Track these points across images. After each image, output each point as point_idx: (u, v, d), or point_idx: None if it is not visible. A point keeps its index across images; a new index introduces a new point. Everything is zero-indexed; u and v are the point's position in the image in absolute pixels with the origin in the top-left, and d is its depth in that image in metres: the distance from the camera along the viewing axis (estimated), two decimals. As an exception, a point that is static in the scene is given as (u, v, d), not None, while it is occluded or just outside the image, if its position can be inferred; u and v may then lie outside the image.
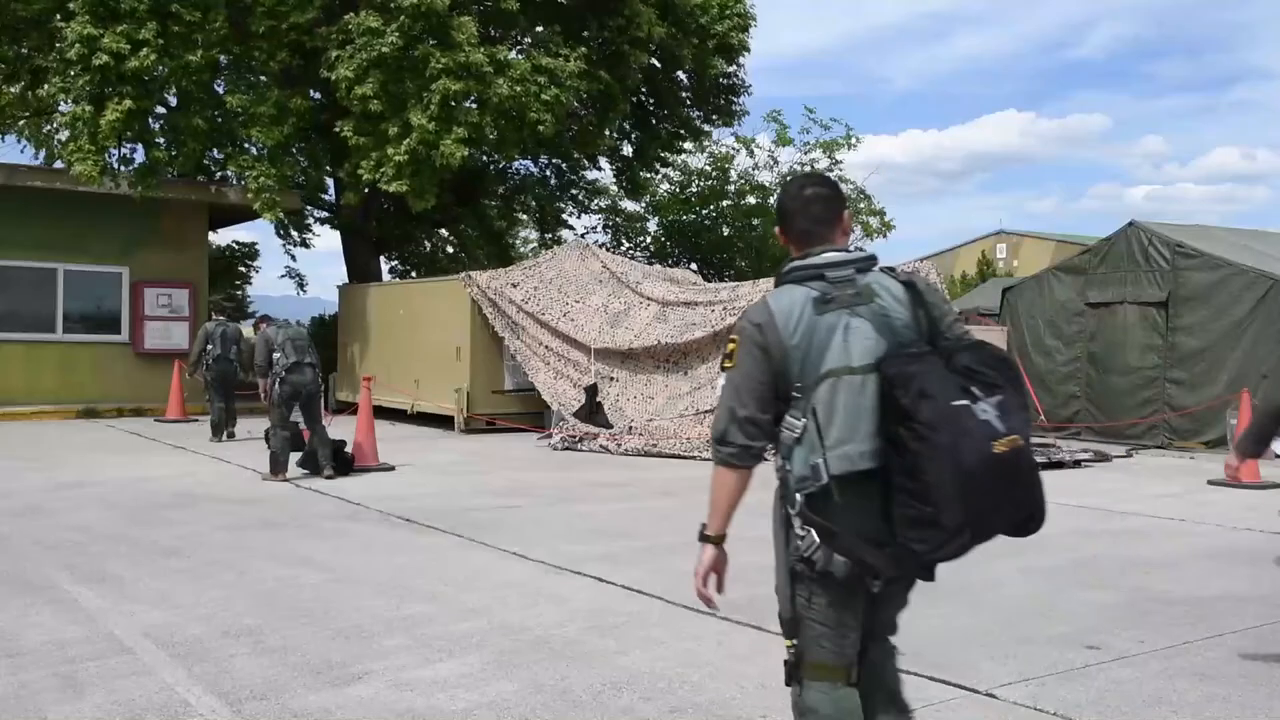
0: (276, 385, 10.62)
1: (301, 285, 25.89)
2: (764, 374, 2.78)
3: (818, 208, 2.94)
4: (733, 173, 25.15)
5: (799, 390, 2.77)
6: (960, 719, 4.06)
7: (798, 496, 2.80)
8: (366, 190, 17.13)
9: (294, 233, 23.48)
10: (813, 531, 2.80)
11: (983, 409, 2.64)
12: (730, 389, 2.83)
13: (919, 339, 2.81)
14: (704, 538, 3.16)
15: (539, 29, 18.95)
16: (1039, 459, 13.06)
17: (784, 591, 3.01)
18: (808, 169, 24.91)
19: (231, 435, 13.83)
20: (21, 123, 20.85)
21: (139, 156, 17.05)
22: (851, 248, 2.94)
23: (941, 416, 2.61)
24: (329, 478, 10.31)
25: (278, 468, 10.33)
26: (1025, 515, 2.93)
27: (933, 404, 2.62)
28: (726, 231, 24.97)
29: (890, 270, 2.92)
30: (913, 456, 2.62)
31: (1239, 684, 4.50)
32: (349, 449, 10.99)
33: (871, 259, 2.91)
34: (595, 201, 25.16)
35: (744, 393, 2.80)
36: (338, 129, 16.86)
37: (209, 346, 13.88)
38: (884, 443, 2.71)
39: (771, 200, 24.86)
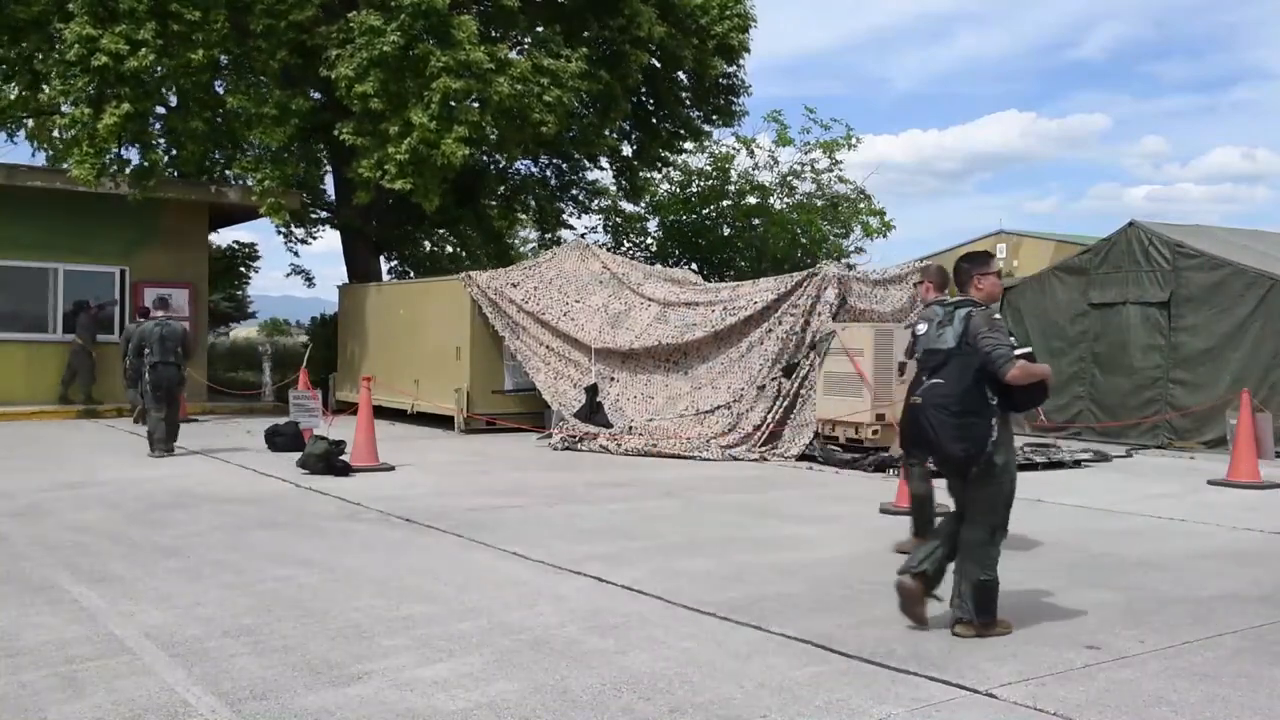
0: (146, 375, 12.15)
1: (309, 281, 25.93)
2: None
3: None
4: (733, 173, 25.12)
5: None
6: (960, 719, 4.06)
7: None
8: (373, 188, 17.13)
9: (295, 232, 23.48)
10: None
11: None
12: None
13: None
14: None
15: (539, 29, 18.95)
16: (1039, 459, 13.05)
17: None
18: (808, 169, 24.95)
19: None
20: (30, 123, 20.83)
21: (137, 159, 17.06)
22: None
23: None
24: (159, 455, 11.95)
25: (152, 445, 12.08)
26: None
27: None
28: (726, 231, 24.95)
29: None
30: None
31: (1239, 684, 4.50)
32: (349, 449, 11.00)
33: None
34: (595, 202, 25.17)
35: None
36: (337, 131, 16.87)
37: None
38: None
39: (771, 200, 24.89)
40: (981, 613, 5.11)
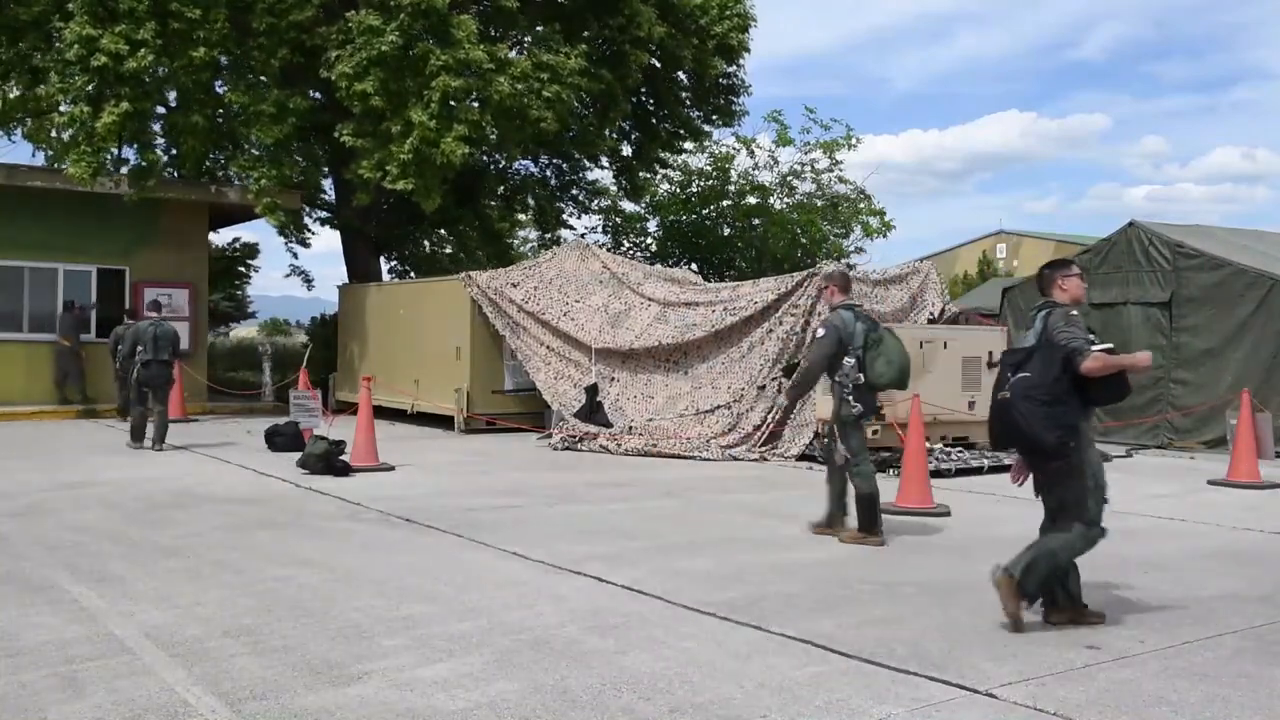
0: (135, 372, 12.74)
1: (309, 282, 25.91)
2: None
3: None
4: (733, 173, 25.12)
5: None
6: (960, 719, 4.06)
7: None
8: (373, 189, 17.14)
9: (294, 233, 23.46)
10: None
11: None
12: None
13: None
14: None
15: (539, 28, 18.96)
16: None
17: None
18: (808, 169, 24.94)
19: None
20: (30, 123, 20.83)
21: (135, 159, 17.06)
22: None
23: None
24: (139, 447, 12.63)
25: (134, 436, 12.76)
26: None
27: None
28: (726, 231, 24.94)
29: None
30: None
31: (1239, 684, 4.50)
32: (349, 449, 11.00)
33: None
34: (595, 202, 25.16)
35: None
36: (337, 132, 16.87)
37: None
38: None
39: (771, 200, 24.88)
40: (1026, 581, 5.17)
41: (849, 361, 7.32)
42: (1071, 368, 5.11)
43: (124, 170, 16.92)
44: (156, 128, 17.32)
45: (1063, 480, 5.26)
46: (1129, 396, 5.57)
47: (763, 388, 13.05)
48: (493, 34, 18.07)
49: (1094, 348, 5.14)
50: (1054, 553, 5.21)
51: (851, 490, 7.52)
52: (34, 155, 23.94)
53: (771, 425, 12.89)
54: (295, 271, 25.79)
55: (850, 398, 7.35)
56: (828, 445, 7.88)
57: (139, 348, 12.71)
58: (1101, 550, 5.52)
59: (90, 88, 15.51)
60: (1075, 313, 5.31)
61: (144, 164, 16.71)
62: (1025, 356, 5.30)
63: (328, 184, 21.89)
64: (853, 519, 7.54)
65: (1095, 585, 6.26)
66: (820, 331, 7.57)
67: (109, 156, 16.28)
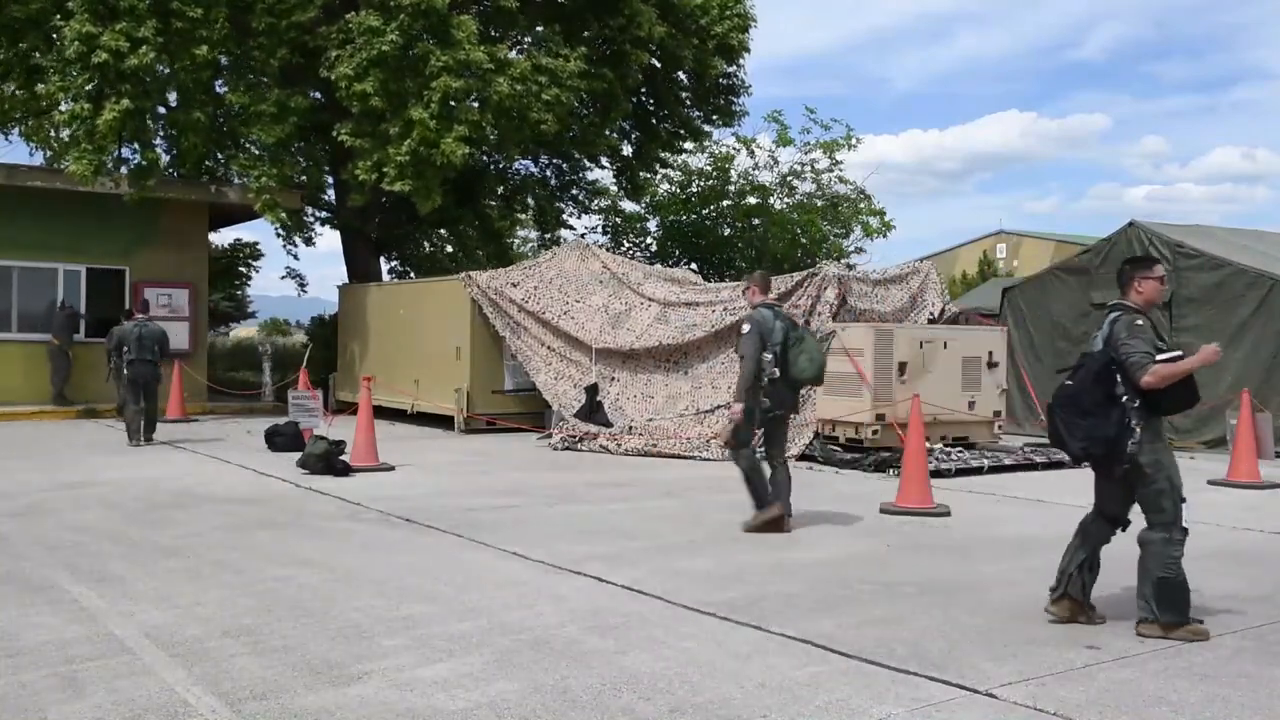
0: (124, 370, 13.26)
1: (302, 285, 25.92)
2: None
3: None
4: (733, 173, 25.12)
5: None
6: (960, 719, 4.06)
7: None
8: (370, 190, 17.13)
9: (294, 234, 23.46)
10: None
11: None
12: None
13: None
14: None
15: (539, 28, 18.95)
16: (1039, 459, 13.08)
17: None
18: (808, 169, 24.95)
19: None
20: (29, 123, 20.81)
21: (135, 158, 17.05)
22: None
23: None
24: (137, 444, 13.07)
25: (130, 434, 13.18)
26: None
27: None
28: (726, 231, 24.94)
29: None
30: None
31: (1239, 684, 4.50)
32: (349, 449, 11.00)
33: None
34: (595, 202, 25.16)
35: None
36: (336, 133, 16.87)
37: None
38: None
39: (772, 200, 24.88)
40: (1165, 611, 5.16)
41: (766, 357, 7.66)
42: (1129, 380, 5.10)
43: (115, 173, 16.89)
44: (155, 127, 17.28)
45: (1135, 485, 5.26)
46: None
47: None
48: (493, 34, 18.07)
49: (1160, 356, 5.10)
50: (1163, 577, 5.20)
51: (782, 479, 7.96)
52: (31, 155, 23.95)
53: (771, 425, 12.87)
54: (290, 274, 25.82)
55: (763, 392, 7.70)
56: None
57: (125, 348, 13.40)
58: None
59: (90, 86, 15.50)
60: (1141, 322, 5.22)
61: (144, 163, 16.70)
62: (1084, 362, 5.31)
63: (328, 183, 21.89)
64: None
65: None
66: (745, 328, 7.87)
67: (111, 155, 16.26)
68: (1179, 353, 5.21)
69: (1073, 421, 5.17)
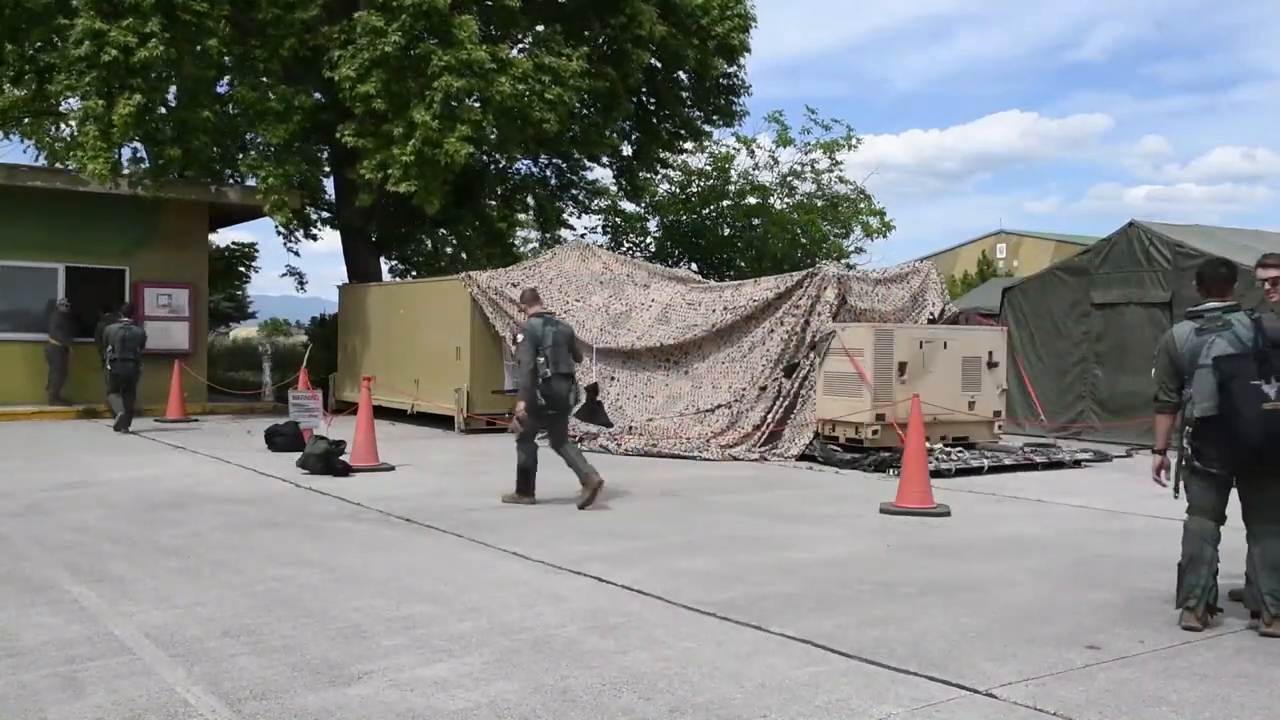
0: (108, 367, 15.04)
1: (301, 284, 25.92)
2: (1169, 366, 5.40)
3: (1217, 282, 5.42)
4: (733, 173, 25.12)
5: (1187, 376, 5.30)
6: (960, 719, 4.06)
7: (1187, 428, 5.33)
8: (375, 190, 17.11)
9: (297, 233, 23.47)
10: (1189, 445, 5.35)
11: (1268, 386, 4.99)
12: (1156, 373, 5.49)
13: (1250, 348, 5.11)
14: (1155, 452, 5.64)
15: (540, 28, 18.94)
16: (1039, 459, 12.98)
17: (1177, 473, 5.52)
18: (808, 169, 24.94)
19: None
20: (27, 123, 20.76)
21: (145, 155, 17.02)
22: (1228, 301, 5.35)
23: (1239, 388, 5.03)
24: (118, 430, 14.54)
25: (119, 425, 14.66)
26: None
27: (1237, 381, 5.05)
28: (726, 231, 24.94)
29: (1248, 310, 5.28)
30: (1229, 409, 5.07)
31: (1239, 684, 4.50)
32: (349, 449, 11.00)
33: (1234, 306, 5.30)
34: (595, 201, 25.16)
35: (1161, 374, 5.44)
36: (338, 133, 16.86)
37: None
38: (1219, 401, 5.10)
39: (772, 200, 24.88)
40: None
41: (540, 359, 8.82)
42: None
43: (131, 168, 16.86)
44: (165, 125, 17.25)
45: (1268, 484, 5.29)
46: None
47: (764, 388, 13.05)
48: (494, 33, 18.07)
49: None
50: None
51: (577, 456, 9.08)
52: (25, 152, 23.93)
53: (771, 425, 12.89)
54: (290, 272, 25.82)
55: (540, 391, 8.85)
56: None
57: (109, 347, 15.04)
58: (1102, 550, 5.53)
59: (99, 84, 15.46)
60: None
61: (161, 161, 16.66)
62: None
63: (328, 184, 21.89)
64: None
65: (1096, 585, 6.26)
66: (519, 337, 9.13)
67: (128, 155, 16.29)
68: None
69: None
